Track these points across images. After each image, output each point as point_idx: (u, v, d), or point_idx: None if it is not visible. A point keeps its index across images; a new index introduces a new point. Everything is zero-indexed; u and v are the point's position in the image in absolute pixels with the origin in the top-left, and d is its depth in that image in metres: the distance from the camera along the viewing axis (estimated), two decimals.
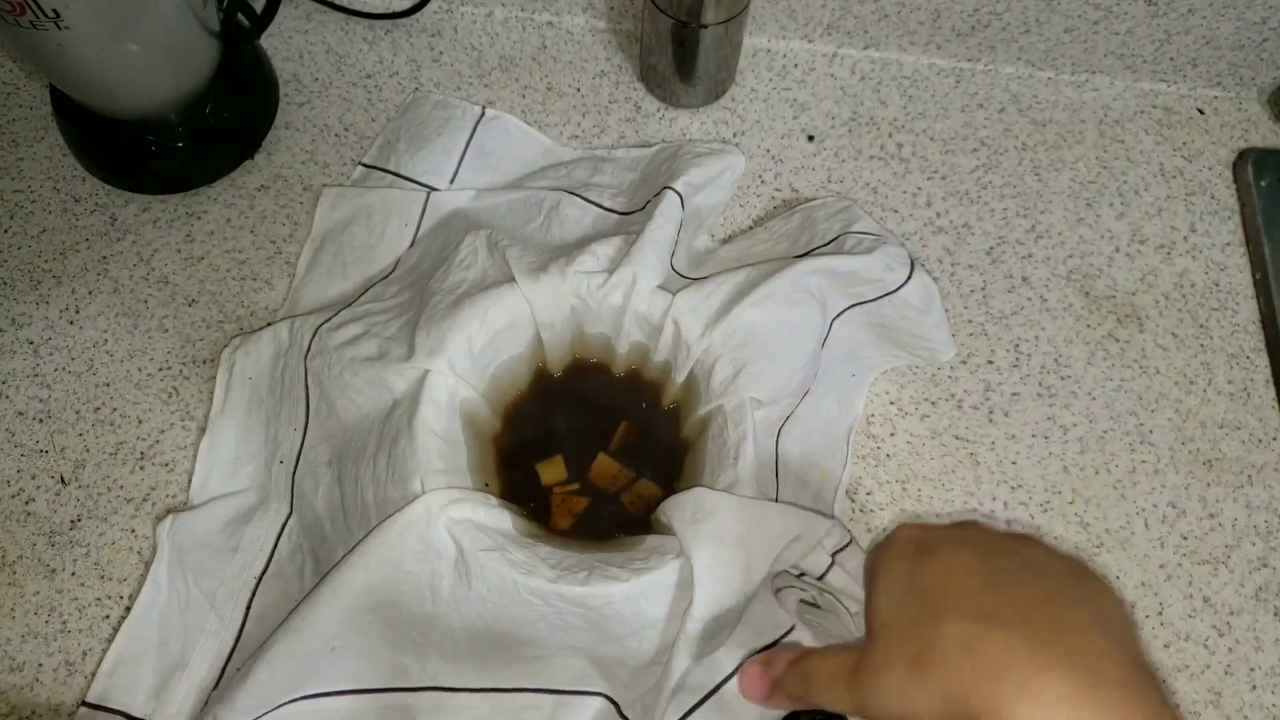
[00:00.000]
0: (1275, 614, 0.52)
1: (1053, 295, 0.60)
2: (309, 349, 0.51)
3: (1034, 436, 0.56)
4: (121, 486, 0.53)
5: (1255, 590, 0.53)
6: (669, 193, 0.54)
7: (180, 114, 0.58)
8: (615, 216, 0.56)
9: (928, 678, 0.31)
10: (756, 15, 0.64)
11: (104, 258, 0.59)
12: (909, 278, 0.52)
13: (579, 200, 0.56)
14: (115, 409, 0.55)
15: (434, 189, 0.58)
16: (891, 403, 0.56)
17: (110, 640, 0.49)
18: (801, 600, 0.45)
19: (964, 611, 0.31)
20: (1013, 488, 0.54)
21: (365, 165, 0.61)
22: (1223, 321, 0.60)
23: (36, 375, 0.56)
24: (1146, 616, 0.52)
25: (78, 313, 0.57)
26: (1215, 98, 0.67)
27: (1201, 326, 0.60)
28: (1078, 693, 0.28)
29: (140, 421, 0.55)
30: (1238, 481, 0.56)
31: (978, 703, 0.29)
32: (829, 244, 0.54)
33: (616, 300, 0.51)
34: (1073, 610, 0.31)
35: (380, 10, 0.66)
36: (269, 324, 0.55)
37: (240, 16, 0.60)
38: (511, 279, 0.49)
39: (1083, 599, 0.31)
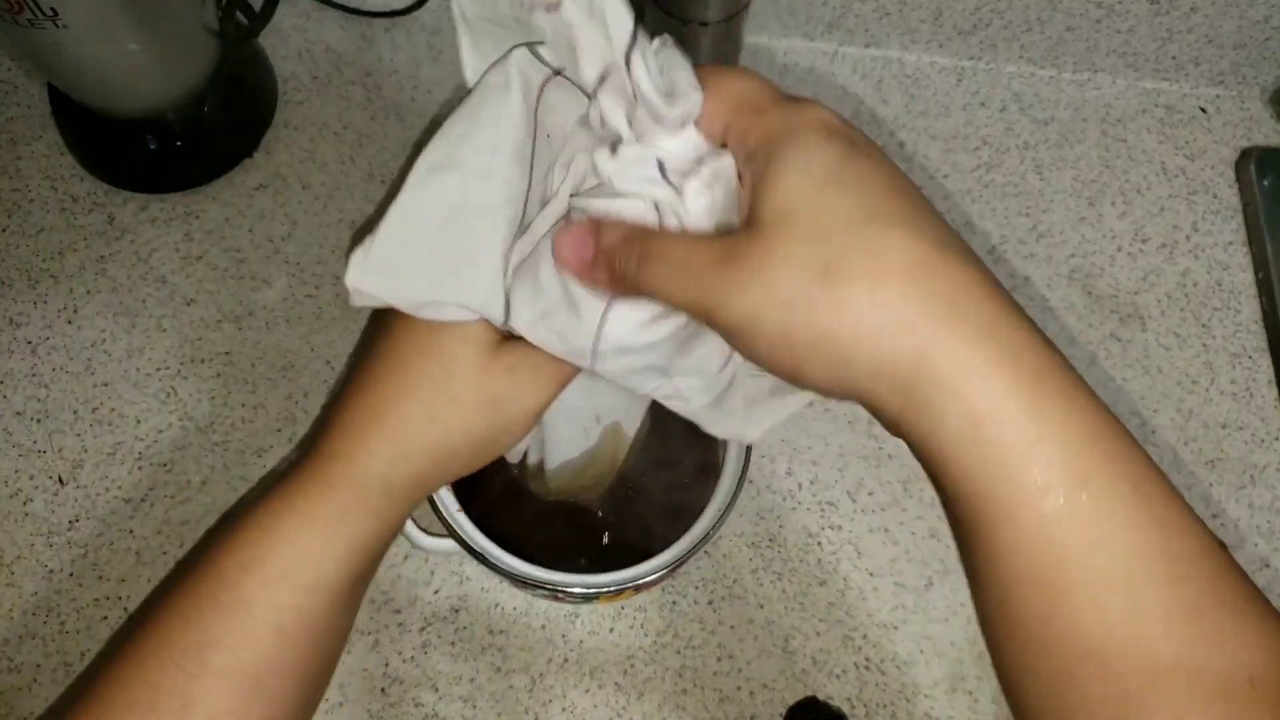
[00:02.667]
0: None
1: (1055, 294, 0.60)
2: None
3: None
4: (120, 487, 0.53)
5: None
6: None
7: (179, 112, 0.58)
8: None
9: (844, 296, 0.24)
10: (757, 14, 0.64)
11: (102, 257, 0.58)
12: None
13: None
14: (113, 409, 0.55)
15: None
16: None
17: (108, 640, 0.49)
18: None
19: (913, 226, 0.25)
20: None
21: None
22: (1225, 321, 0.60)
23: (34, 375, 0.55)
24: None
25: (76, 312, 0.57)
26: (1218, 96, 0.67)
27: (1204, 326, 0.60)
28: (1034, 341, 0.25)
29: (139, 421, 0.54)
30: (1240, 482, 0.56)
31: (914, 341, 0.24)
32: None
33: None
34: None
35: (380, 8, 0.66)
36: None
37: (239, 15, 0.59)
38: None
39: None
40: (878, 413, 0.26)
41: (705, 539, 0.44)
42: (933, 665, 0.51)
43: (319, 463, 0.35)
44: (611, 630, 0.51)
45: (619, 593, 0.45)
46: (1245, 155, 0.65)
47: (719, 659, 0.51)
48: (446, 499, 0.45)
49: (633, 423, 0.45)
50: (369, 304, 0.35)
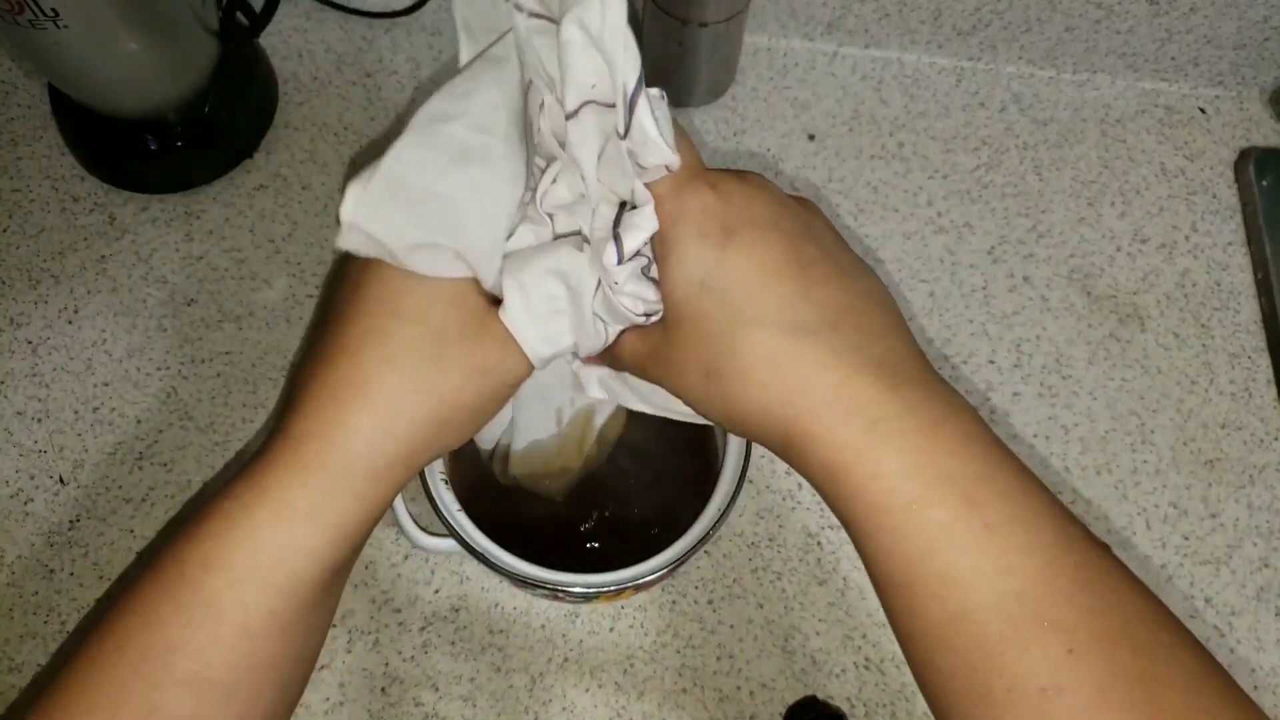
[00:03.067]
0: (1277, 614, 0.52)
1: (1054, 295, 0.60)
2: None
3: (1035, 437, 0.56)
4: (120, 486, 0.53)
5: (1257, 591, 0.53)
6: None
7: (179, 113, 0.58)
8: None
9: (725, 391, 0.30)
10: (757, 14, 0.64)
11: (102, 257, 0.59)
12: None
13: None
14: (114, 409, 0.55)
15: None
16: None
17: None
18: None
19: (771, 321, 0.29)
20: None
21: None
22: (1224, 321, 0.60)
23: (35, 375, 0.55)
24: None
25: (76, 312, 0.57)
26: (1217, 97, 0.67)
27: (1203, 326, 0.60)
28: (880, 395, 0.29)
29: (139, 421, 0.55)
30: (1239, 482, 0.56)
31: (781, 416, 0.29)
32: None
33: None
34: (872, 312, 0.31)
35: (380, 9, 0.66)
36: None
37: (239, 15, 0.59)
38: None
39: (879, 297, 0.32)
40: (779, 454, 0.32)
41: (704, 539, 0.44)
42: None
43: (291, 443, 0.32)
44: (611, 630, 0.51)
45: (619, 592, 0.45)
46: (1244, 155, 0.65)
47: (718, 658, 0.51)
48: (446, 498, 0.45)
49: (604, 413, 0.45)
50: (359, 248, 0.33)
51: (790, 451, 0.30)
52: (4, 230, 0.59)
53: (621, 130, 0.29)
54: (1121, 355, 0.59)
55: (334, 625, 0.50)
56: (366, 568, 0.52)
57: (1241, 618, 0.52)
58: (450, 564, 0.52)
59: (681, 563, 0.44)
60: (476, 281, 0.34)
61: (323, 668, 0.50)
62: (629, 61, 0.28)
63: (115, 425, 0.54)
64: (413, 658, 0.50)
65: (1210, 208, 0.64)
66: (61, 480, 0.53)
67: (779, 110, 0.65)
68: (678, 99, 0.64)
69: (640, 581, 0.43)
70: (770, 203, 0.31)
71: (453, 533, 0.44)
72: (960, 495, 0.28)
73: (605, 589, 0.43)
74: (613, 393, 0.39)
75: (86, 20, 0.48)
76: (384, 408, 0.32)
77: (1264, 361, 0.59)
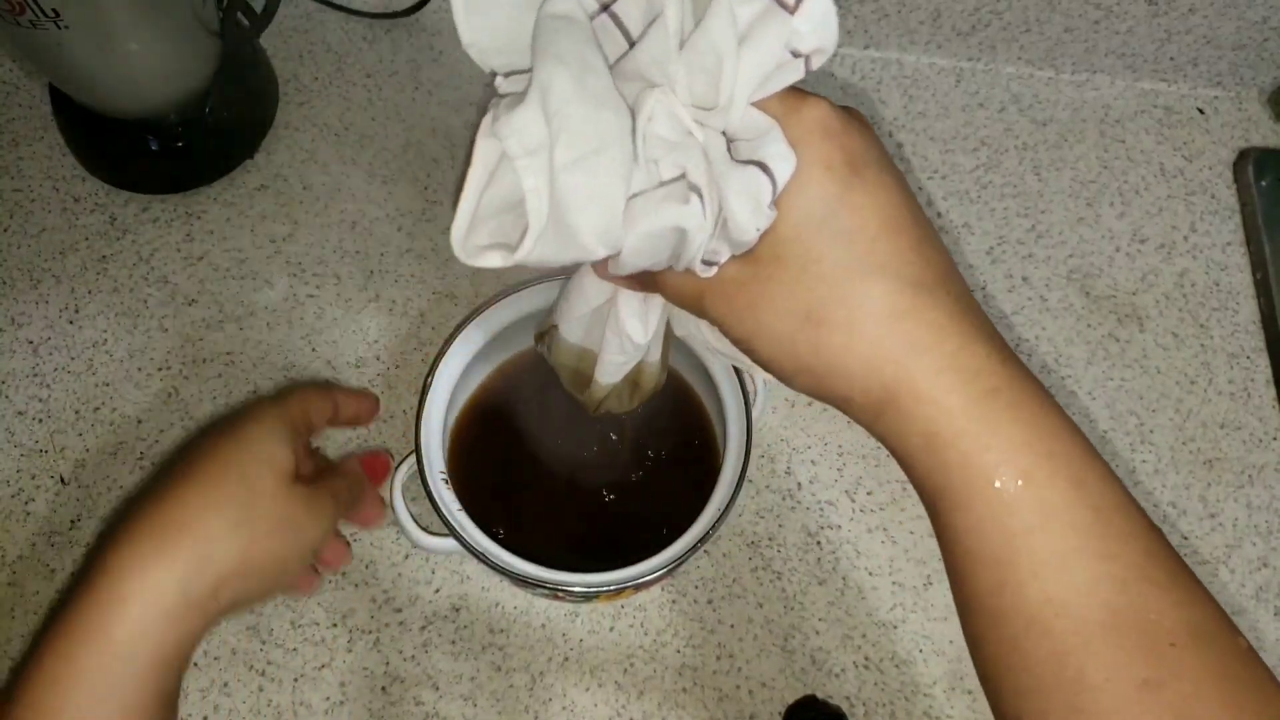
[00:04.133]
0: (1275, 614, 0.52)
1: (1053, 295, 0.60)
2: None
3: None
4: (121, 486, 0.53)
5: (1255, 590, 0.53)
6: None
7: (180, 113, 0.58)
8: None
9: (825, 339, 0.28)
10: None
11: (103, 257, 0.59)
12: None
13: None
14: (115, 409, 0.55)
15: None
16: None
17: None
18: None
19: (892, 272, 0.27)
20: None
21: None
22: (1223, 321, 0.60)
23: (36, 375, 0.55)
24: None
25: (77, 312, 0.57)
26: (1216, 97, 0.67)
27: (1202, 326, 0.60)
28: (993, 366, 0.28)
29: (140, 421, 0.55)
30: (1238, 481, 0.56)
31: (889, 373, 0.27)
32: None
33: None
34: (960, 274, 0.30)
35: (380, 9, 0.66)
36: None
37: (240, 16, 0.60)
38: None
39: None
40: (852, 417, 0.30)
41: (704, 539, 0.44)
42: (931, 664, 0.51)
43: (112, 578, 0.35)
44: (611, 629, 0.51)
45: (619, 592, 0.45)
46: (1243, 156, 0.65)
47: (718, 658, 0.51)
48: (446, 497, 0.45)
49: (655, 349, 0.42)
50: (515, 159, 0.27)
51: (887, 410, 0.28)
52: (5, 230, 0.59)
53: (792, 3, 0.26)
54: (1120, 355, 0.59)
55: (334, 625, 0.50)
56: (367, 567, 0.52)
57: (1241, 617, 0.52)
58: (450, 563, 0.52)
59: (680, 563, 0.44)
60: (290, 449, 0.41)
61: (323, 667, 0.50)
62: None
63: (116, 425, 0.54)
64: (413, 657, 0.50)
65: (1209, 208, 0.64)
66: (63, 480, 0.53)
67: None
68: None
69: (640, 581, 0.43)
70: (875, 139, 0.29)
71: (453, 532, 0.44)
72: (1068, 475, 0.27)
73: (605, 588, 0.44)
74: (647, 324, 0.36)
75: (87, 21, 0.48)
76: (203, 540, 0.37)
77: (1263, 361, 0.59)
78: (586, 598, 0.46)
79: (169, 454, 0.54)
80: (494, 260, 0.28)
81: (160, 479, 0.39)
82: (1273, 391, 0.58)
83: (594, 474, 0.51)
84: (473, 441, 0.51)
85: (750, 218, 0.27)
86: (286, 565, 0.40)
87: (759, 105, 0.28)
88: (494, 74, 0.30)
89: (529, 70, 0.28)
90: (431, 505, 0.44)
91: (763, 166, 0.27)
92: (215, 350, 0.56)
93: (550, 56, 0.26)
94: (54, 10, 0.46)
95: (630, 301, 0.36)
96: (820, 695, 0.50)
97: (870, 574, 0.53)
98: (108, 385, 0.55)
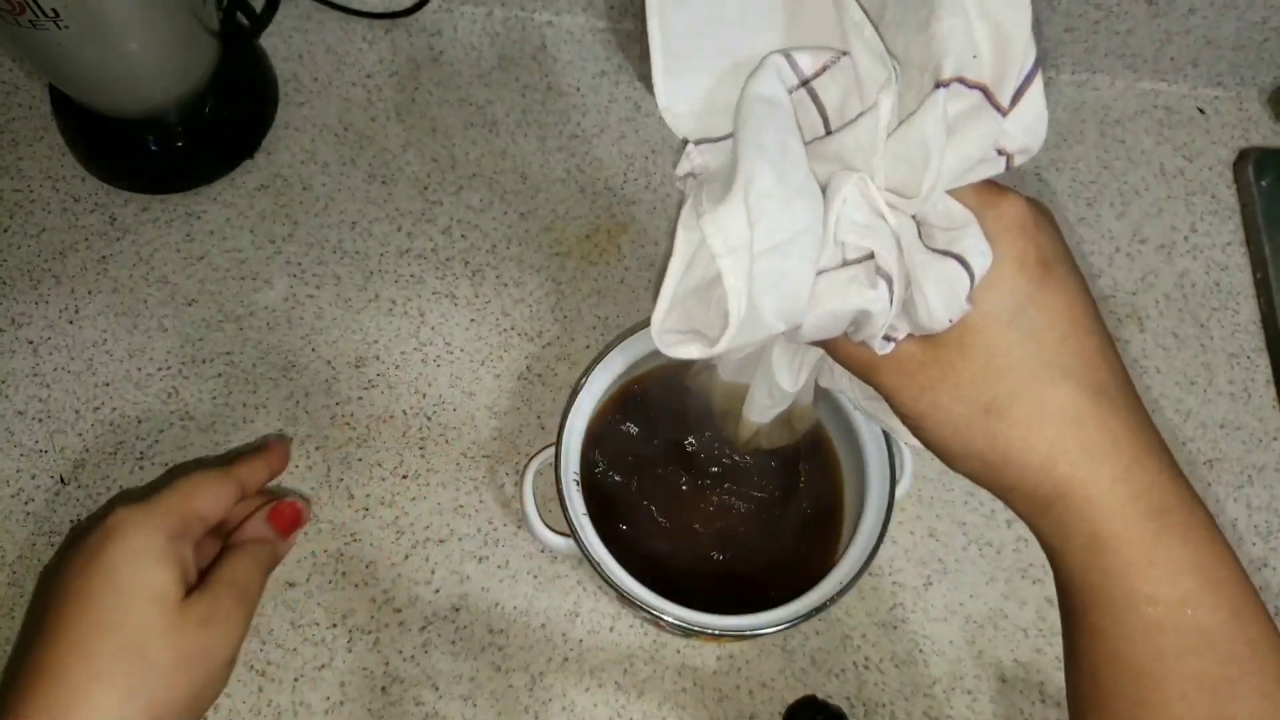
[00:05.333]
0: (1276, 614, 0.52)
1: None
2: None
3: None
4: (121, 486, 0.53)
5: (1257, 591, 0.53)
6: None
7: (180, 113, 0.58)
8: None
9: (1002, 432, 0.28)
10: None
11: (103, 257, 0.59)
12: None
13: None
14: (115, 409, 0.55)
15: None
16: None
17: None
18: None
19: (1076, 374, 0.28)
20: None
21: None
22: (1223, 321, 0.60)
23: (36, 375, 0.55)
24: None
25: (77, 312, 0.57)
26: (1216, 98, 0.67)
27: (1202, 326, 0.60)
28: (1166, 483, 0.28)
29: (140, 421, 0.55)
30: (1238, 482, 0.56)
31: (1062, 474, 0.27)
32: None
33: None
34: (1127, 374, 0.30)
35: (380, 9, 0.66)
36: None
37: (240, 16, 0.60)
38: None
39: None
40: (1008, 505, 0.30)
41: (824, 606, 0.43)
42: (932, 664, 0.51)
43: None
44: (611, 629, 0.51)
45: (717, 637, 0.45)
46: (1243, 156, 0.65)
47: (718, 658, 0.51)
48: (575, 499, 0.45)
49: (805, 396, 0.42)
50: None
51: (1054, 507, 0.28)
52: (5, 230, 0.59)
53: (1005, 106, 0.27)
54: (1121, 355, 0.59)
55: (334, 625, 0.50)
56: (367, 567, 0.52)
57: None
58: (450, 563, 0.52)
59: (794, 625, 0.43)
60: (171, 565, 0.36)
61: (323, 667, 0.50)
62: (1031, 32, 0.26)
63: (116, 425, 0.54)
64: (413, 657, 0.50)
65: (1209, 208, 0.64)
66: (62, 480, 0.53)
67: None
68: None
69: (748, 633, 0.43)
70: (1063, 237, 0.29)
71: (574, 534, 0.44)
72: (1229, 605, 0.28)
73: (705, 630, 0.43)
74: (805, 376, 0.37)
75: (87, 21, 0.48)
76: None
77: (1263, 361, 0.59)
78: (686, 633, 0.46)
79: (168, 462, 0.54)
80: (691, 352, 0.29)
81: (31, 633, 0.35)
82: (1273, 391, 0.58)
83: (715, 511, 0.51)
84: (602, 453, 0.51)
85: (944, 309, 0.28)
86: (201, 700, 0.37)
87: (954, 194, 0.28)
88: (685, 141, 0.30)
89: (720, 139, 0.29)
90: (560, 504, 0.44)
91: (960, 260, 0.27)
92: (215, 350, 0.56)
93: (754, 147, 0.27)
94: (54, 10, 0.46)
95: (784, 350, 0.36)
96: (820, 695, 0.50)
97: (870, 574, 0.53)
98: (107, 385, 0.55)
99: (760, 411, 0.40)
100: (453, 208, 0.61)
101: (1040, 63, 0.27)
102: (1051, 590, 0.52)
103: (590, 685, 0.50)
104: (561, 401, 0.52)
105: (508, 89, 0.65)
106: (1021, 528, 0.52)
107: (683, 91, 0.30)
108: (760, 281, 0.27)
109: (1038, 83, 0.27)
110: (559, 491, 0.45)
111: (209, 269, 0.59)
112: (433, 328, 0.58)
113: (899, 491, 0.46)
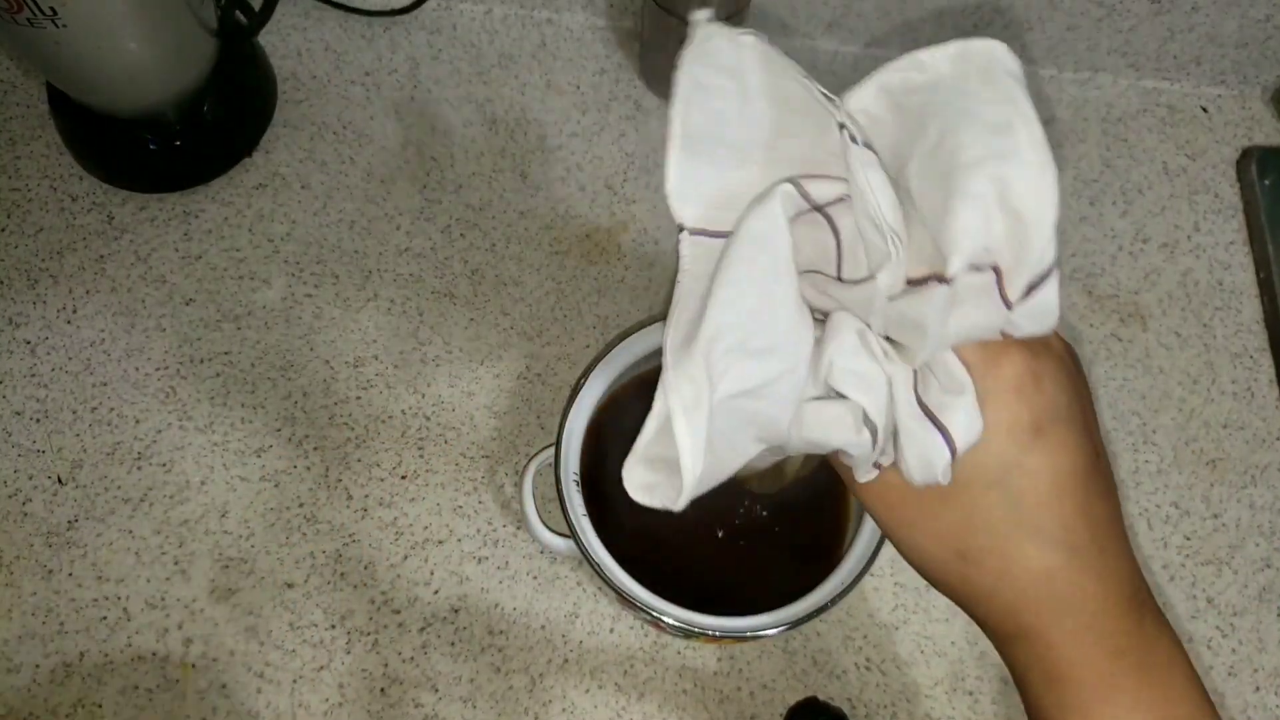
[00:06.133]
0: (1279, 615, 0.52)
1: None
2: None
3: None
4: (119, 486, 0.53)
5: (1259, 591, 0.53)
6: None
7: (178, 112, 0.58)
8: None
9: (972, 576, 0.29)
10: (757, 13, 0.64)
11: (101, 257, 0.58)
12: None
13: None
14: (112, 409, 0.55)
15: None
16: None
17: (106, 639, 0.48)
18: None
19: (1049, 536, 0.28)
20: None
21: None
22: (1226, 321, 0.60)
23: (33, 375, 0.55)
24: None
25: (75, 312, 0.57)
26: (1219, 96, 0.67)
27: (1205, 326, 0.60)
28: (1129, 626, 0.29)
29: (138, 421, 0.54)
30: (1241, 481, 0.55)
31: (1025, 621, 0.29)
32: None
33: None
34: (1121, 519, 0.31)
35: (379, 7, 0.65)
36: None
37: (238, 14, 0.59)
38: None
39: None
40: (982, 629, 0.32)
41: (824, 608, 0.43)
42: (933, 665, 0.51)
43: None
44: (612, 631, 0.51)
45: (718, 638, 0.45)
46: (1246, 154, 0.65)
47: (719, 659, 0.51)
48: (575, 500, 0.45)
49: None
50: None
51: (1018, 644, 0.30)
52: (2, 230, 0.59)
53: (1013, 299, 0.26)
54: (1123, 355, 0.59)
55: (333, 626, 0.50)
56: (365, 569, 0.52)
57: (1244, 618, 0.52)
58: (449, 564, 0.52)
59: (795, 626, 0.43)
60: None
61: (321, 669, 0.50)
62: (1054, 232, 0.26)
63: (114, 425, 0.54)
64: (412, 658, 0.50)
65: (1212, 207, 0.63)
66: (60, 480, 0.53)
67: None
68: None
69: (745, 634, 0.43)
70: (1069, 385, 0.29)
71: (574, 534, 0.44)
72: None
73: (706, 631, 0.43)
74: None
75: (85, 19, 0.48)
76: None
77: (1266, 361, 0.59)
78: (687, 635, 0.46)
79: (166, 462, 0.54)
80: (654, 502, 0.30)
81: None
82: (1276, 391, 0.58)
83: (715, 512, 0.50)
84: (602, 453, 0.50)
85: (920, 475, 0.28)
86: None
87: (959, 350, 0.28)
88: (681, 228, 0.29)
89: (719, 234, 0.29)
90: (560, 504, 0.44)
91: (945, 434, 0.27)
92: (213, 350, 0.56)
93: (727, 306, 0.27)
94: (52, 9, 0.46)
95: None
96: (822, 697, 0.50)
97: (872, 575, 0.53)
98: (105, 385, 0.55)
99: (754, 461, 0.39)
100: (452, 206, 0.61)
101: (1059, 264, 0.26)
102: None
103: (590, 687, 0.50)
104: (561, 401, 0.52)
105: (507, 87, 0.64)
106: None
107: (693, 181, 0.29)
108: (733, 420, 0.28)
109: (1053, 281, 0.26)
110: (559, 491, 0.45)
111: (207, 268, 0.58)
112: (432, 327, 0.57)
113: None
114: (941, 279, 0.25)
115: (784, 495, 0.50)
